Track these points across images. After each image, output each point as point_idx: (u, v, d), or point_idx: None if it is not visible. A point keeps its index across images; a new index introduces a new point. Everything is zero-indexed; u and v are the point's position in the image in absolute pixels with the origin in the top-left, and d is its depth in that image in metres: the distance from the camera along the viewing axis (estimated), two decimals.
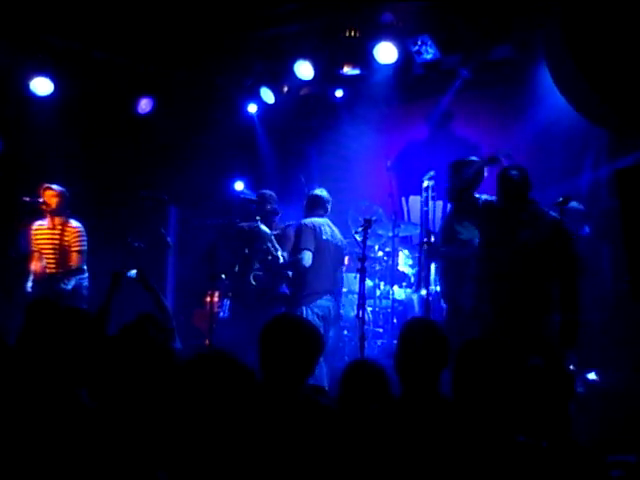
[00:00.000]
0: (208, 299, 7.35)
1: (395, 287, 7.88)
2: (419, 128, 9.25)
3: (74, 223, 7.29)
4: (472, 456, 2.83)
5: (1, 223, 7.43)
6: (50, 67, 8.02)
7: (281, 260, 7.05)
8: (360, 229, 6.60)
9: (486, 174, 6.27)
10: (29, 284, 7.11)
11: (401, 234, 8.05)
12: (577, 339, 5.33)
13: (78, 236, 7.26)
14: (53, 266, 7.17)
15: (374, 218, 6.78)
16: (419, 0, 7.47)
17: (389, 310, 7.86)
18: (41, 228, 7.25)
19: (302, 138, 9.88)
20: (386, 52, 7.75)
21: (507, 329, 5.28)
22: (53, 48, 8.03)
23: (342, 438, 3.01)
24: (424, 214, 6.76)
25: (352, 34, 7.92)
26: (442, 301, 6.75)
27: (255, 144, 9.73)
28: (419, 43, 7.63)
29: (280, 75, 8.77)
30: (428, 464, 2.86)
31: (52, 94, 8.12)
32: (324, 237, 6.79)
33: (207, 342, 7.26)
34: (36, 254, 7.22)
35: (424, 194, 6.75)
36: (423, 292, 7.11)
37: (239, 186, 8.53)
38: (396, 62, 7.90)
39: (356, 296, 6.68)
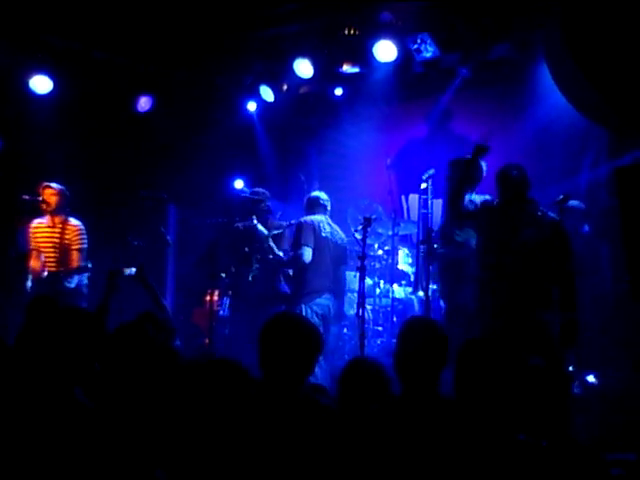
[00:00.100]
0: (208, 298, 7.36)
1: (395, 286, 7.88)
2: (418, 126, 9.25)
3: (74, 221, 7.29)
4: (472, 455, 2.84)
5: (1, 221, 7.41)
6: (50, 65, 8.02)
7: (281, 255, 7.09)
8: (360, 227, 6.62)
9: (485, 170, 6.28)
10: (28, 283, 7.10)
11: (401, 232, 8.04)
12: (576, 339, 5.34)
13: (79, 234, 7.26)
14: (53, 264, 7.15)
15: (374, 216, 6.80)
16: None
17: (389, 309, 7.85)
18: (40, 226, 7.24)
19: (302, 136, 9.87)
20: (385, 50, 7.75)
21: (507, 328, 5.28)
22: (53, 47, 8.02)
23: (342, 437, 3.01)
24: (423, 216, 6.76)
25: (351, 32, 7.91)
26: (441, 300, 6.75)
27: (255, 143, 9.72)
28: (419, 41, 7.63)
29: (280, 73, 8.76)
30: (428, 463, 2.86)
31: (52, 92, 8.12)
32: (323, 234, 6.84)
33: (207, 341, 7.28)
34: (34, 252, 7.20)
35: (422, 196, 6.73)
36: (420, 293, 7.13)
37: (239, 184, 8.53)
38: (395, 60, 7.90)
39: (356, 295, 6.69)
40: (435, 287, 6.86)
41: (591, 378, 6.31)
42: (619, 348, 6.56)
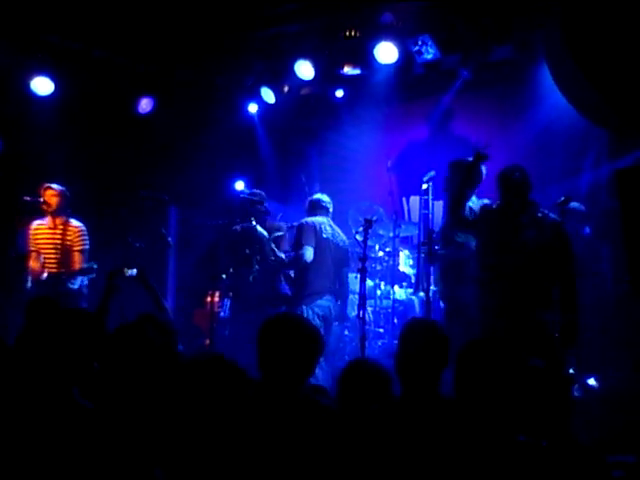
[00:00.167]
0: (209, 299, 7.35)
1: (396, 287, 7.88)
2: (419, 128, 9.25)
3: (75, 222, 7.30)
4: (472, 456, 2.83)
5: (1, 223, 7.41)
6: (50, 67, 8.03)
7: (283, 256, 7.09)
8: (361, 229, 6.64)
9: (485, 172, 6.28)
10: (28, 284, 7.10)
11: (402, 234, 8.04)
12: (576, 340, 5.34)
13: (80, 235, 7.26)
14: (54, 266, 7.15)
15: (375, 218, 6.80)
16: (419, 0, 7.46)
17: (390, 310, 7.85)
18: (41, 228, 7.23)
19: (302, 138, 9.88)
20: (386, 52, 7.75)
21: (508, 329, 5.28)
22: (53, 48, 8.03)
23: (342, 438, 3.01)
24: (423, 217, 6.75)
25: (352, 34, 7.91)
26: (441, 301, 6.75)
27: (255, 144, 9.73)
28: (419, 43, 7.63)
29: (280, 75, 8.77)
30: (428, 464, 2.86)
31: (52, 94, 8.13)
32: (324, 235, 6.87)
33: (207, 342, 7.27)
34: (34, 254, 7.20)
35: (423, 197, 6.73)
36: (421, 294, 7.12)
37: (239, 186, 8.54)
38: (396, 62, 7.90)
39: (357, 296, 6.69)
40: (436, 288, 6.86)
41: (592, 381, 6.30)
42: (619, 349, 6.56)
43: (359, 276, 6.48)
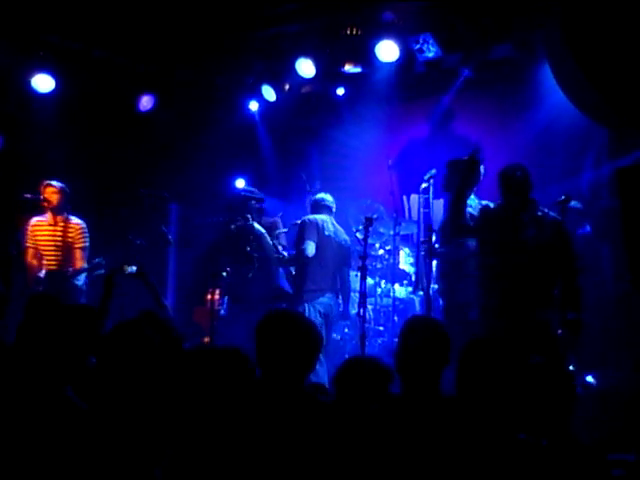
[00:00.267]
0: (209, 297, 7.35)
1: (396, 285, 7.89)
2: (420, 126, 9.24)
3: (76, 220, 7.30)
4: (473, 454, 2.84)
5: (2, 220, 7.41)
6: (51, 64, 8.02)
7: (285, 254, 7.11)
8: (361, 227, 6.65)
9: (483, 172, 6.29)
10: (31, 281, 7.10)
11: (402, 232, 8.05)
12: (579, 339, 5.35)
13: (81, 233, 7.27)
14: (54, 263, 7.15)
15: (375, 216, 6.81)
16: None
17: (390, 308, 7.86)
18: (41, 225, 7.23)
19: (303, 136, 9.87)
20: (387, 50, 7.74)
21: (510, 328, 5.28)
22: (54, 46, 8.02)
23: (342, 436, 3.00)
24: (424, 215, 6.75)
25: (353, 32, 7.91)
26: (440, 299, 6.76)
27: (256, 142, 9.73)
28: (420, 41, 7.63)
29: (281, 73, 8.76)
30: (429, 462, 2.86)
31: (53, 91, 8.11)
32: (326, 233, 6.89)
33: (207, 339, 7.28)
34: (31, 250, 7.19)
35: (423, 196, 6.73)
36: (420, 293, 7.13)
37: (240, 184, 8.53)
38: (397, 60, 7.89)
39: (357, 294, 6.69)
40: (436, 286, 6.87)
41: (590, 379, 6.31)
42: (620, 348, 6.56)
43: (359, 274, 6.49)
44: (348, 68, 8.48)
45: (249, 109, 9.37)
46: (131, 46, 8.10)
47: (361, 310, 6.34)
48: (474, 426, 2.91)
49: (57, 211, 7.18)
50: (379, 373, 3.45)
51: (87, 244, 7.29)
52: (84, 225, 7.31)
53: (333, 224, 7.11)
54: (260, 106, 9.36)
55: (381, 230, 8.03)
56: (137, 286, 5.40)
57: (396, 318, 7.71)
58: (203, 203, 8.98)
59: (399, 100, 9.06)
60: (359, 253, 6.63)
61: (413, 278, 7.89)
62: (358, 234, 6.91)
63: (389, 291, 7.94)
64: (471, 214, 6.03)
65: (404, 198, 9.25)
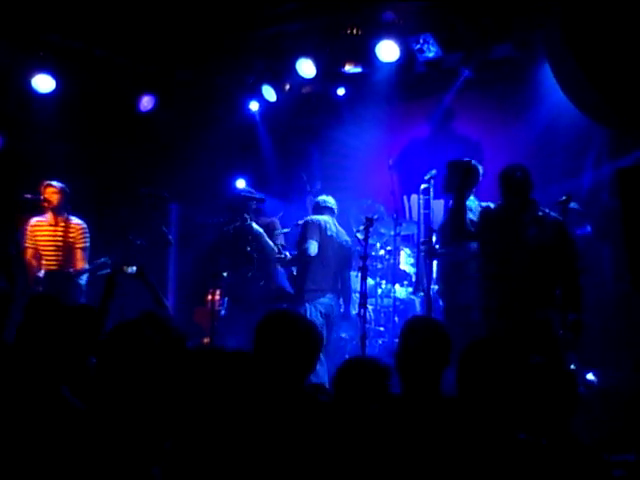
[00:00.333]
0: (209, 297, 7.34)
1: (397, 286, 7.89)
2: (421, 126, 9.24)
3: (76, 220, 7.30)
4: (473, 454, 2.83)
5: (2, 220, 7.40)
6: (52, 64, 8.02)
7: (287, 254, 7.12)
8: (362, 227, 6.65)
9: (481, 172, 6.31)
10: (31, 281, 7.10)
11: (403, 233, 8.05)
12: (580, 339, 5.35)
13: (82, 233, 7.27)
14: (54, 263, 7.15)
15: (376, 216, 6.81)
16: None
17: (390, 309, 7.86)
18: (41, 225, 7.22)
19: (304, 136, 9.87)
20: (388, 50, 7.73)
21: (511, 328, 5.29)
22: (55, 46, 8.02)
23: (342, 436, 3.00)
24: (425, 216, 6.76)
25: (354, 32, 7.90)
26: (440, 300, 6.76)
27: (257, 142, 9.72)
28: (421, 41, 7.62)
29: (282, 73, 8.76)
30: (429, 462, 2.85)
31: (54, 91, 8.11)
32: (329, 233, 6.92)
33: (207, 340, 7.27)
34: (29, 250, 7.19)
35: (423, 196, 6.73)
36: (421, 294, 7.13)
37: (241, 184, 8.53)
38: (398, 60, 7.88)
39: (357, 294, 6.70)
40: (436, 287, 6.87)
41: (590, 376, 6.31)
42: (620, 348, 6.57)
43: (360, 274, 6.49)
44: (348, 68, 8.48)
45: (249, 109, 9.37)
46: (131, 46, 8.09)
47: (362, 310, 6.34)
48: (474, 426, 2.91)
49: (57, 211, 7.18)
50: (378, 372, 3.44)
51: (88, 244, 7.30)
52: (85, 225, 7.32)
53: (335, 225, 7.14)
54: (260, 106, 9.35)
55: (382, 230, 8.03)
56: (137, 286, 5.40)
57: (397, 319, 7.71)
58: (203, 203, 8.97)
59: (399, 100, 9.05)
60: (360, 253, 6.63)
61: (414, 279, 7.89)
62: (359, 234, 6.90)
63: (390, 291, 7.94)
64: (471, 220, 6.06)
65: (404, 198, 9.25)
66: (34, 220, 7.23)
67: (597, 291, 6.54)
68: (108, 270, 6.93)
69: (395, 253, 7.91)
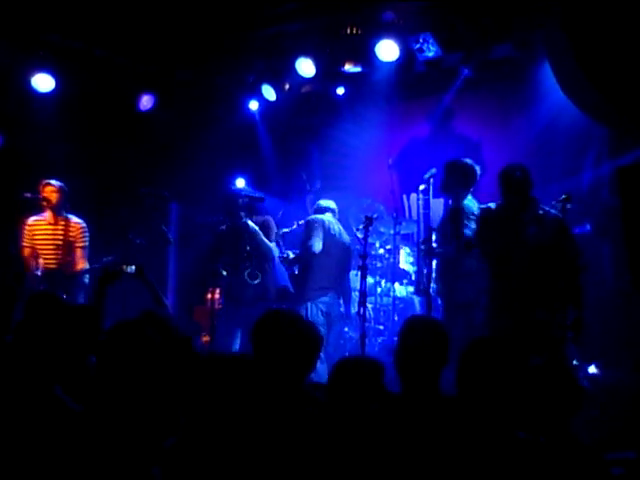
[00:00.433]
0: (209, 296, 7.34)
1: (396, 284, 7.90)
2: (420, 126, 9.24)
3: (76, 219, 7.30)
4: (472, 453, 2.83)
5: (1, 219, 7.41)
6: (52, 64, 8.01)
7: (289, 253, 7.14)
8: (361, 226, 6.67)
9: (479, 172, 6.34)
10: (30, 280, 7.09)
11: (402, 231, 8.06)
12: (581, 335, 5.37)
13: (82, 232, 7.27)
14: (54, 262, 7.14)
15: (375, 215, 6.82)
16: None
17: (390, 307, 7.87)
18: (39, 224, 7.21)
19: (303, 136, 9.87)
20: (388, 50, 7.73)
21: (514, 328, 5.30)
22: (55, 46, 8.02)
23: (343, 435, 3.00)
24: (424, 216, 6.76)
25: (354, 32, 7.90)
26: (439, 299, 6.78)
27: (256, 142, 9.72)
28: (421, 41, 7.62)
29: (281, 73, 8.76)
30: (428, 461, 2.86)
31: (53, 91, 8.10)
32: (332, 232, 6.97)
33: (208, 338, 7.27)
34: (27, 249, 7.19)
35: (422, 196, 6.74)
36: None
37: (240, 183, 8.53)
38: (397, 60, 7.88)
39: (357, 293, 6.70)
40: (435, 286, 6.88)
41: (592, 369, 6.33)
42: (620, 347, 6.57)
43: (360, 273, 6.49)
44: (348, 67, 8.48)
45: (249, 109, 9.37)
46: (131, 46, 8.09)
47: (361, 309, 6.34)
48: (474, 425, 2.91)
49: (57, 210, 7.17)
50: (371, 370, 3.43)
51: (87, 243, 7.30)
52: (84, 224, 7.31)
53: (337, 224, 7.18)
54: (260, 106, 9.35)
55: (381, 229, 8.04)
56: (137, 286, 5.41)
57: (396, 317, 7.73)
58: (203, 203, 8.98)
59: (399, 99, 9.05)
60: (359, 252, 6.64)
61: (413, 277, 7.90)
62: (358, 233, 6.93)
63: (389, 290, 7.95)
64: (467, 207, 6.09)
65: (404, 197, 9.25)
66: (32, 219, 7.22)
67: (597, 289, 6.54)
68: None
69: (395, 252, 7.92)
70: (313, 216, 7.09)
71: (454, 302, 6.32)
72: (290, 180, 9.40)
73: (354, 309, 7.05)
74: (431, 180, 6.56)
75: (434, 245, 6.38)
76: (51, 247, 7.17)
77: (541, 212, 5.60)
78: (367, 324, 6.82)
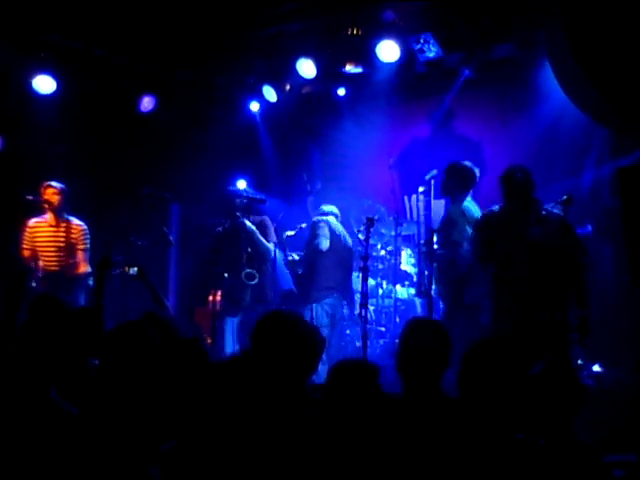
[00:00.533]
0: (210, 297, 7.34)
1: (398, 286, 7.90)
2: (421, 126, 9.23)
3: (77, 221, 7.30)
4: (475, 454, 2.83)
5: (3, 221, 7.41)
6: (52, 65, 8.01)
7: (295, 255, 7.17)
8: (362, 228, 6.68)
9: (478, 174, 6.35)
10: (32, 283, 7.09)
11: (404, 233, 8.05)
12: (588, 334, 5.37)
13: (83, 234, 7.27)
14: (55, 264, 7.15)
15: (376, 217, 6.82)
16: None
17: (391, 309, 7.87)
18: (41, 226, 7.21)
19: (304, 136, 9.86)
20: (388, 50, 7.72)
21: (519, 329, 5.30)
22: (55, 47, 8.01)
23: (345, 437, 3.00)
24: (425, 217, 6.77)
25: (354, 32, 7.89)
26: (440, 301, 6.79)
27: (257, 142, 9.72)
28: (421, 41, 7.62)
29: (282, 73, 8.75)
30: (429, 462, 2.86)
31: (54, 92, 8.09)
32: (337, 233, 7.00)
33: (209, 340, 7.27)
34: (27, 251, 7.18)
35: (423, 197, 6.74)
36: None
37: (241, 184, 8.53)
38: (398, 60, 7.87)
39: (358, 295, 6.70)
40: (436, 288, 6.88)
41: (596, 367, 6.34)
42: (620, 348, 6.57)
43: (361, 275, 6.50)
44: (349, 68, 8.47)
45: (250, 109, 9.37)
46: (131, 46, 8.08)
47: (363, 311, 6.34)
48: (476, 427, 2.91)
49: (58, 212, 7.18)
50: (367, 373, 3.42)
51: (88, 246, 7.30)
52: (85, 227, 7.32)
53: (341, 227, 7.24)
54: (261, 106, 9.34)
55: (382, 231, 8.04)
56: (138, 287, 5.41)
57: (397, 319, 7.72)
58: (204, 204, 8.97)
59: (400, 100, 9.05)
60: (361, 253, 6.65)
61: (415, 279, 7.90)
62: (360, 235, 6.94)
63: (391, 292, 7.95)
64: (467, 208, 6.10)
65: (405, 198, 9.25)
66: (33, 221, 7.22)
67: (597, 289, 6.54)
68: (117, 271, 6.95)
69: (396, 253, 7.92)
70: (317, 217, 7.13)
71: (454, 303, 6.33)
72: (291, 181, 9.38)
73: (355, 311, 7.07)
74: (432, 181, 6.57)
75: (435, 247, 6.39)
76: (52, 249, 7.17)
77: (544, 212, 5.60)
78: (368, 326, 6.82)
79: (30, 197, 7.07)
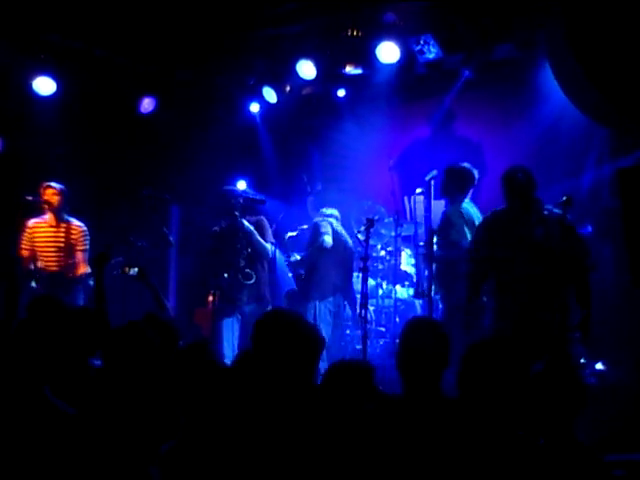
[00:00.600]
0: (210, 298, 7.34)
1: (397, 286, 7.90)
2: (421, 127, 9.23)
3: (77, 222, 7.31)
4: (474, 455, 2.83)
5: (3, 222, 7.41)
6: (52, 67, 8.01)
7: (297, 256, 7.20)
8: (362, 228, 6.69)
9: (477, 176, 6.36)
10: (33, 283, 7.09)
11: (404, 233, 8.05)
12: (590, 333, 5.37)
13: (83, 235, 7.28)
14: (55, 264, 7.15)
15: (376, 217, 6.84)
16: (421, 0, 7.46)
17: (391, 309, 7.86)
18: (40, 226, 7.21)
19: (304, 137, 9.86)
20: (388, 51, 7.72)
21: (518, 330, 5.30)
22: (55, 48, 8.02)
23: (344, 437, 3.00)
24: (425, 219, 6.77)
25: (354, 33, 7.90)
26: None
27: (257, 144, 9.72)
28: (421, 42, 7.62)
29: (282, 74, 8.75)
30: (429, 463, 2.85)
31: (54, 93, 8.10)
32: (338, 232, 7.03)
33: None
34: (27, 252, 7.18)
35: (424, 200, 6.75)
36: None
37: (241, 185, 8.53)
38: (398, 61, 7.87)
39: (358, 295, 6.71)
40: (435, 288, 6.89)
41: (599, 366, 6.35)
42: (620, 348, 6.57)
43: (361, 275, 6.51)
44: (349, 69, 8.48)
45: (250, 110, 9.37)
46: (131, 46, 8.09)
47: (363, 311, 6.35)
48: (476, 427, 2.91)
49: (58, 213, 7.18)
50: (362, 373, 3.42)
51: (88, 247, 7.30)
52: (85, 228, 7.32)
53: (342, 228, 7.26)
54: (261, 108, 9.35)
55: (382, 231, 8.04)
56: (139, 288, 5.41)
57: (397, 319, 7.71)
58: (204, 204, 8.97)
59: (400, 101, 9.04)
60: (361, 254, 6.66)
61: (414, 279, 7.90)
62: (359, 235, 6.95)
63: (390, 292, 7.94)
64: (465, 210, 6.10)
65: (405, 199, 9.25)
66: (32, 222, 7.22)
67: (598, 289, 6.54)
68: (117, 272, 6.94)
69: (396, 254, 7.92)
70: (319, 218, 7.16)
71: (453, 303, 6.33)
72: (291, 182, 9.38)
73: (356, 311, 7.08)
74: (432, 182, 6.58)
75: (434, 248, 6.39)
76: (52, 250, 7.17)
77: (546, 212, 5.61)
78: (368, 326, 6.82)
79: (30, 198, 7.07)
